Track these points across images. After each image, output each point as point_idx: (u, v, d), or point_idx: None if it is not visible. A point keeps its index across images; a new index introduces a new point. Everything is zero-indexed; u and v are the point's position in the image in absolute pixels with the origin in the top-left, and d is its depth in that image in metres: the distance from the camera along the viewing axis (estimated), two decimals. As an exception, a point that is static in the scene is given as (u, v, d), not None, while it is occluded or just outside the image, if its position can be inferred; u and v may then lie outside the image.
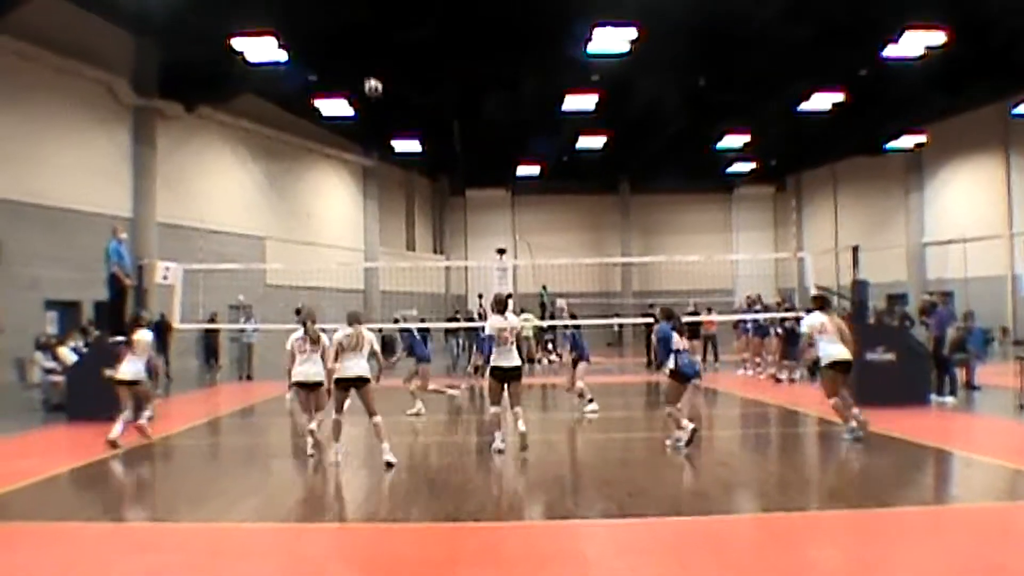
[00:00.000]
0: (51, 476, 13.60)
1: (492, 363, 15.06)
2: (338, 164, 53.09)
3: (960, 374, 23.32)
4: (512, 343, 15.03)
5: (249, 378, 33.41)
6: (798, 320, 27.17)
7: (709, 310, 34.71)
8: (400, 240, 60.34)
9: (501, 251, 34.89)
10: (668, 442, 15.48)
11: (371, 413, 14.56)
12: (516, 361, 15.02)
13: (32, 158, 31.11)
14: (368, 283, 52.80)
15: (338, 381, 14.57)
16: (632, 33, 30.05)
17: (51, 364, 23.74)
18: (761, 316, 29.94)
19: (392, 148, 50.46)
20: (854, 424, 16.04)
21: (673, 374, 15.40)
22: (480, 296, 37.84)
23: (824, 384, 16.96)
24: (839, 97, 39.60)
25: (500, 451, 14.87)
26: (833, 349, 16.29)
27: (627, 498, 11.55)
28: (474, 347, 35.33)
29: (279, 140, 46.35)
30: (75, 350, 23.53)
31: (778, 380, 28.24)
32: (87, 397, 19.94)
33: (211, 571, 8.85)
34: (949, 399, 20.96)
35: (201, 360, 35.81)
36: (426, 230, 64.30)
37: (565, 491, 12.39)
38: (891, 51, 32.56)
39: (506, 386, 15.24)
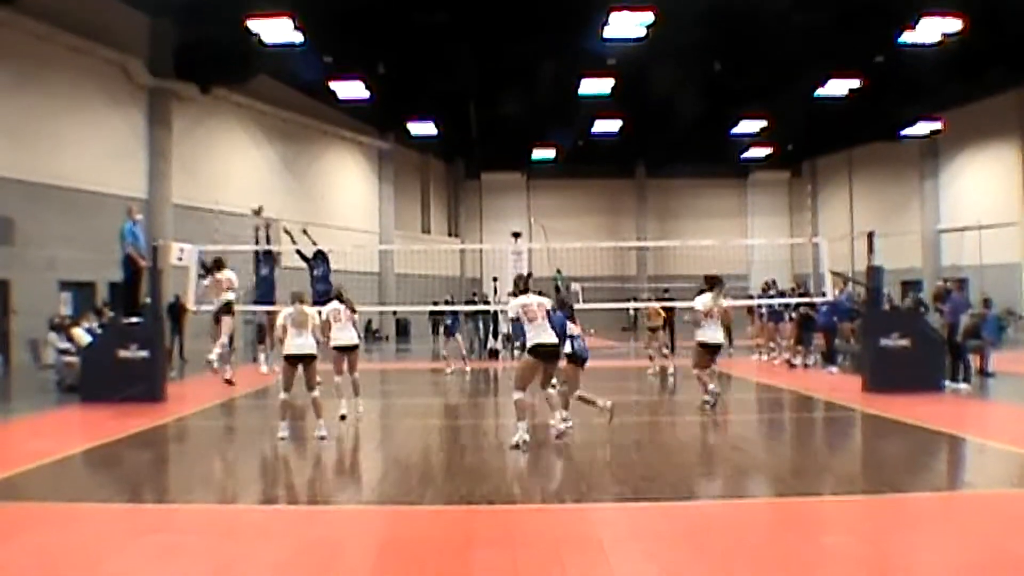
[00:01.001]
0: (65, 457, 13.60)
1: (530, 342, 14.29)
2: (353, 146, 53.15)
3: (974, 361, 23.28)
4: (544, 319, 14.52)
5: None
6: (812, 306, 27.26)
7: (724, 295, 34.66)
8: (415, 223, 60.40)
9: (516, 234, 34.82)
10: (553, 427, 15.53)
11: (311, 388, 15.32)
12: (555, 338, 14.49)
13: (47, 139, 31.18)
14: (383, 266, 52.86)
15: (288, 357, 15.18)
16: (648, 17, 30.01)
17: (65, 345, 23.74)
18: (776, 301, 29.88)
19: (408, 131, 50.51)
20: (708, 396, 18.41)
21: (570, 358, 15.59)
22: (495, 279, 37.81)
23: (694, 356, 18.93)
24: (855, 83, 39.55)
25: (517, 446, 13.90)
26: (710, 333, 18.57)
27: (641, 482, 11.53)
28: (491, 330, 35.42)
29: (294, 122, 46.39)
30: (89, 331, 23.54)
31: (792, 365, 28.22)
32: (101, 378, 19.93)
33: (225, 552, 8.85)
34: (963, 386, 20.89)
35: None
36: (441, 213, 64.36)
37: (579, 475, 12.36)
38: (908, 37, 32.51)
39: (543, 367, 14.67)
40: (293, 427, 15.91)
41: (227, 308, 21.64)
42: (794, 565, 8.19)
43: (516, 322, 14.70)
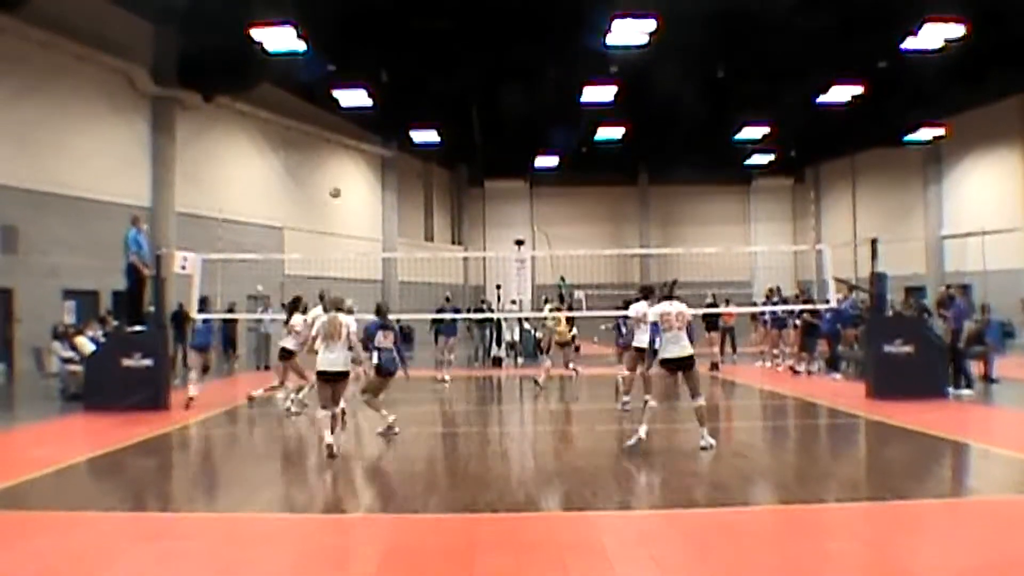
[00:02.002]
0: (68, 465, 13.63)
1: (662, 354, 14.43)
2: (356, 154, 53.17)
3: (977, 367, 23.29)
4: (681, 328, 14.55)
5: (267, 368, 33.44)
6: (816, 313, 27.29)
7: (727, 302, 34.72)
8: (419, 230, 60.45)
9: (519, 242, 34.94)
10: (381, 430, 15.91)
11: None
12: (689, 349, 14.49)
13: (52, 146, 31.22)
14: (386, 273, 52.94)
15: (319, 374, 14.62)
16: (651, 24, 30.00)
17: (69, 353, 23.79)
18: (779, 308, 29.91)
19: (411, 138, 50.44)
20: (627, 399, 19.40)
21: (376, 369, 16.26)
22: (499, 287, 37.86)
23: (627, 360, 19.88)
24: (858, 89, 39.52)
25: (633, 445, 14.48)
26: (643, 338, 17.20)
27: (645, 489, 11.55)
28: (495, 338, 35.44)
29: (298, 130, 46.42)
30: (93, 339, 23.58)
31: (796, 372, 28.27)
32: (104, 386, 19.99)
33: (228, 560, 8.87)
34: (965, 392, 20.89)
35: (219, 350, 35.89)
36: (444, 220, 64.41)
37: (583, 482, 12.36)
38: (910, 43, 32.47)
39: (680, 375, 14.87)
40: (295, 435, 15.92)
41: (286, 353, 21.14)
42: (798, 571, 8.22)
43: (653, 326, 14.50)
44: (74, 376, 22.72)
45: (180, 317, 27.82)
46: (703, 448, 14.30)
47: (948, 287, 28.35)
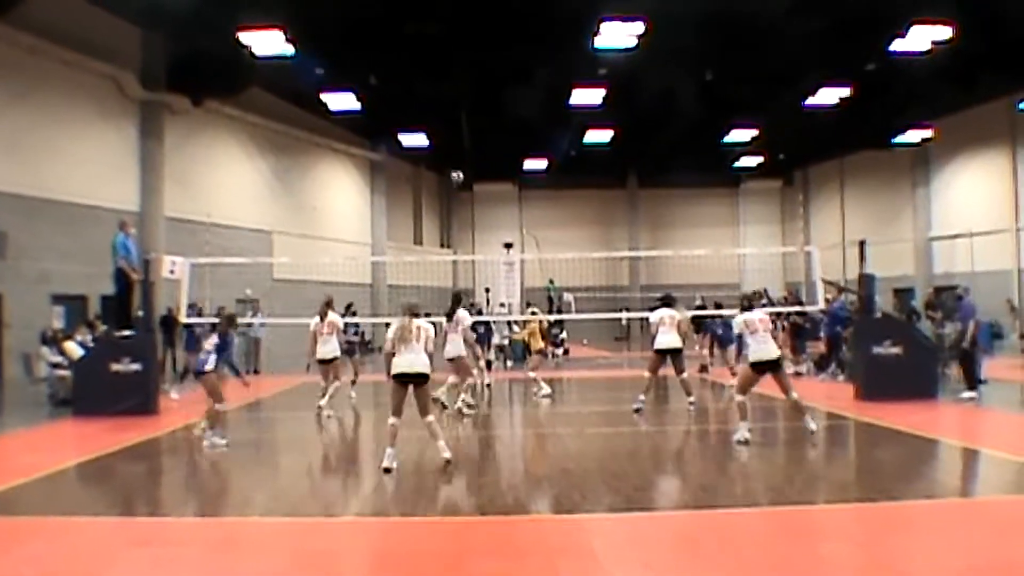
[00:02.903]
0: (57, 471, 13.60)
1: (752, 357, 15.02)
2: (345, 158, 53.17)
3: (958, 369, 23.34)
4: (767, 331, 15.11)
5: (256, 372, 33.45)
6: (805, 315, 27.35)
7: (717, 304, 34.75)
8: (407, 234, 60.43)
9: (508, 245, 34.90)
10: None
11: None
12: (776, 352, 15.13)
13: (40, 152, 31.15)
14: (375, 277, 52.92)
15: (395, 377, 13.66)
16: (639, 27, 30.06)
17: (57, 358, 23.75)
18: (768, 311, 29.92)
19: (399, 142, 50.52)
20: (643, 398, 19.85)
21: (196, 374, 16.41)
22: (487, 290, 37.86)
23: (650, 363, 20.67)
24: (846, 91, 39.62)
25: (743, 442, 14.91)
26: (664, 339, 20.04)
27: (634, 492, 11.55)
28: (485, 341, 35.42)
29: (286, 134, 46.39)
30: (81, 344, 23.53)
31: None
32: (93, 392, 19.96)
33: (219, 565, 8.86)
34: (969, 394, 20.79)
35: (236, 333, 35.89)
36: (433, 224, 64.43)
37: (572, 484, 12.36)
38: (898, 45, 32.57)
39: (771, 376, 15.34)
40: (285, 438, 15.90)
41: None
42: (789, 573, 8.21)
43: (740, 337, 14.78)
44: (63, 381, 22.67)
45: (169, 322, 27.80)
46: (811, 432, 14.98)
47: (936, 290, 28.38)
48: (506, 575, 8.18)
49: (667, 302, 20.74)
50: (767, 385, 20.82)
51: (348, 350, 24.68)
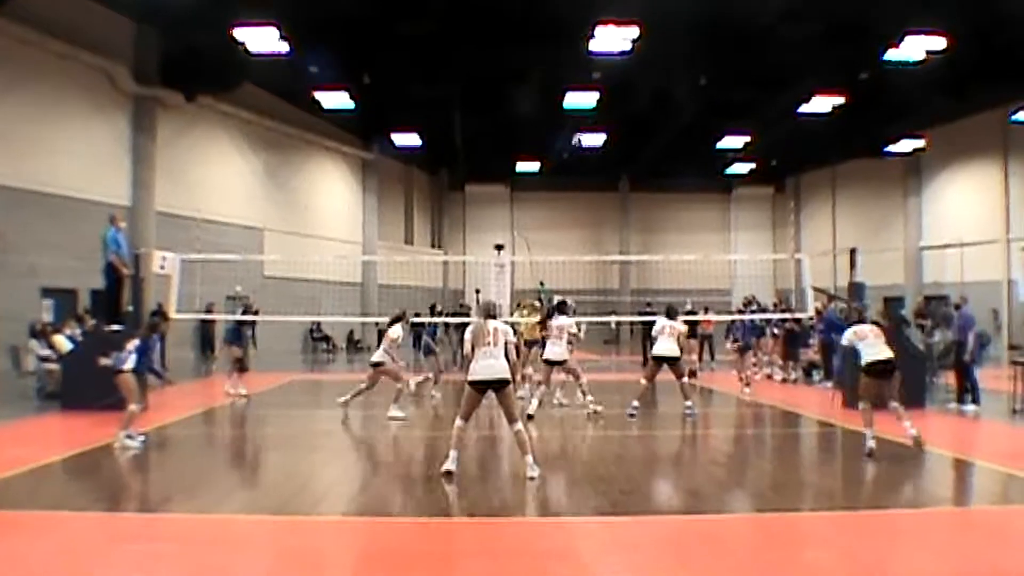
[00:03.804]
0: (45, 464, 13.60)
1: (866, 360, 14.49)
2: (337, 156, 53.09)
3: (947, 378, 23.33)
4: (878, 337, 14.76)
5: (245, 369, 33.42)
6: (797, 321, 27.39)
7: (706, 309, 34.79)
8: (398, 234, 60.32)
9: (499, 247, 34.79)
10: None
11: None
12: (889, 353, 14.65)
13: (31, 145, 31.07)
14: (366, 276, 52.85)
15: (471, 383, 13.04)
16: (634, 32, 30.01)
17: (46, 352, 23.74)
18: (756, 317, 29.99)
19: (392, 141, 50.38)
20: (636, 405, 20.11)
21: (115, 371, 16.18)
22: (478, 291, 37.78)
23: (647, 370, 21.25)
24: (840, 99, 39.58)
25: (870, 454, 14.37)
26: (663, 346, 20.49)
27: (621, 496, 11.56)
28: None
29: (279, 131, 46.31)
30: (70, 338, 23.51)
31: (771, 379, 28.38)
32: (82, 385, 19.88)
33: (205, 561, 8.85)
34: (971, 407, 20.65)
35: (197, 351, 35.80)
36: (424, 224, 64.29)
37: (559, 488, 12.39)
38: (892, 55, 32.56)
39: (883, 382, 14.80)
40: (271, 436, 15.89)
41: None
42: (775, 580, 8.24)
43: (850, 347, 14.55)
44: (51, 375, 22.66)
45: (158, 316, 27.77)
46: (916, 440, 14.50)
47: (927, 298, 28.39)
48: (492, 577, 8.20)
49: (670, 313, 21.25)
50: (753, 389, 20.88)
51: (427, 350, 25.20)
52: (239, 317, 25.58)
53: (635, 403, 19.94)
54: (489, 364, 12.78)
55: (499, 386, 12.86)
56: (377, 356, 20.66)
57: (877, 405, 14.70)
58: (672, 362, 20.32)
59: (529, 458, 12.71)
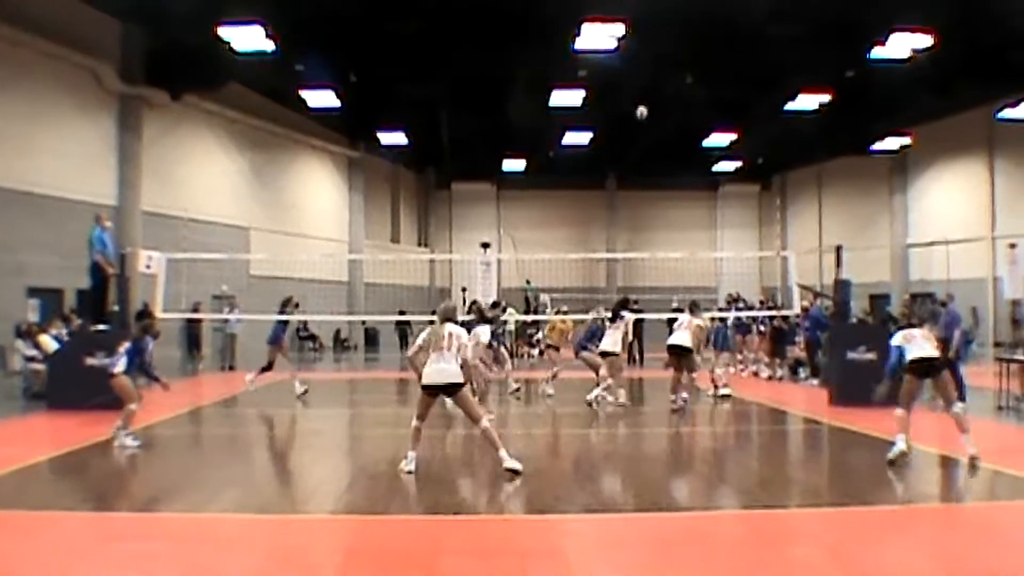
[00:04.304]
0: (31, 464, 13.56)
1: (909, 357, 13.87)
2: (324, 155, 53.04)
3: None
4: (925, 339, 14.16)
5: (232, 368, 33.42)
6: (784, 318, 27.42)
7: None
8: (385, 232, 60.26)
9: (485, 245, 34.83)
10: None
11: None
12: (934, 351, 14.13)
13: (17, 144, 30.96)
14: (352, 275, 52.78)
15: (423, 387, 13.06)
16: (620, 29, 30.01)
17: (32, 352, 23.68)
18: (743, 314, 30.03)
19: (378, 140, 50.29)
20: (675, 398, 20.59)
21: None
22: (464, 289, 37.83)
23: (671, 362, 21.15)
24: (826, 97, 39.63)
25: (893, 462, 13.65)
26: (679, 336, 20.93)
27: (608, 493, 11.59)
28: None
29: (265, 130, 46.24)
30: (56, 338, 23.45)
31: (757, 376, 28.44)
32: (68, 385, 19.88)
33: (192, 560, 8.84)
34: (957, 405, 20.64)
35: (183, 350, 35.77)
36: (411, 223, 64.22)
37: (546, 486, 12.39)
38: (878, 53, 32.63)
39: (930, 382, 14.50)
40: (256, 436, 15.89)
41: None
42: (761, 577, 8.25)
43: (897, 348, 14.29)
44: (37, 375, 22.62)
45: (144, 317, 27.76)
46: (973, 458, 13.38)
47: (913, 295, 28.41)
48: (477, 575, 8.19)
49: (693, 309, 21.68)
50: (739, 387, 20.92)
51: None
52: (277, 317, 25.35)
53: (672, 397, 20.51)
54: (441, 368, 12.81)
55: (451, 390, 12.90)
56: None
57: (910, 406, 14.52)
58: (684, 353, 20.57)
59: (503, 452, 12.67)
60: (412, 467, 12.80)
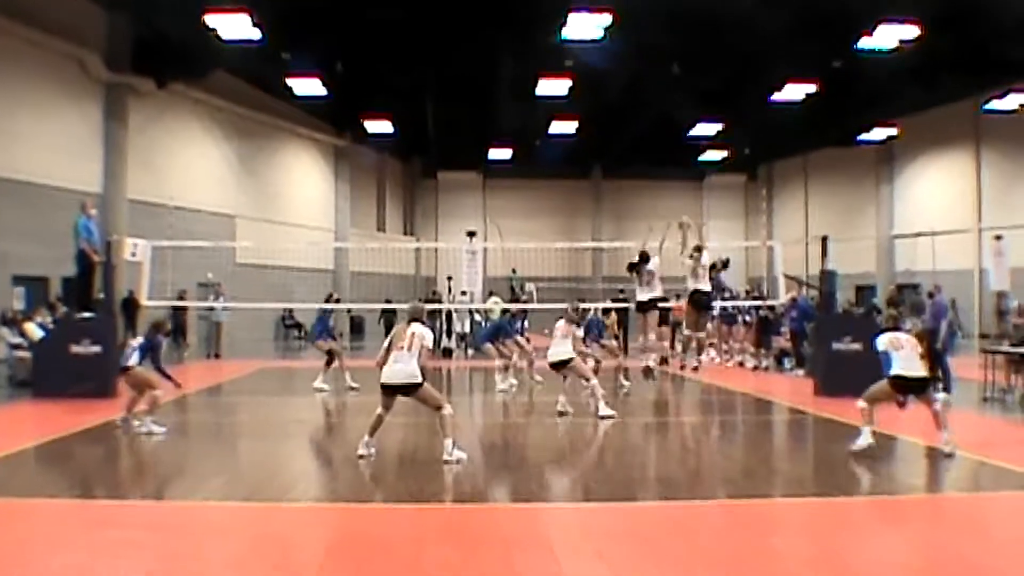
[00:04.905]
0: (15, 452, 13.54)
1: (894, 371, 13.71)
2: (310, 144, 53.00)
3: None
4: (912, 349, 13.92)
5: (217, 356, 33.41)
6: (771, 308, 27.46)
7: (678, 296, 34.83)
8: (371, 221, 60.22)
9: (471, 234, 34.82)
10: None
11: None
12: (918, 371, 13.92)
13: (1, 132, 30.90)
14: (338, 263, 52.74)
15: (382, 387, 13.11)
16: (607, 19, 29.97)
17: (17, 340, 23.66)
18: (729, 304, 30.05)
19: (365, 129, 50.20)
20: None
21: None
22: (450, 278, 37.79)
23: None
24: (812, 88, 39.60)
25: (861, 451, 13.77)
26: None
27: (592, 483, 11.60)
28: (444, 329, 35.51)
29: (251, 118, 46.20)
30: (42, 326, 23.41)
31: (743, 367, 28.49)
32: (53, 373, 19.87)
33: (175, 548, 8.84)
34: (941, 395, 20.74)
35: (169, 338, 35.74)
36: (397, 211, 64.18)
37: (530, 474, 12.42)
38: (865, 43, 32.61)
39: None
40: (242, 423, 15.86)
41: None
42: (743, 566, 8.26)
43: (884, 354, 14.18)
44: (22, 362, 22.59)
45: (130, 304, 27.72)
46: (948, 455, 13.44)
47: (899, 286, 28.47)
48: (460, 563, 8.19)
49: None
50: (724, 377, 20.96)
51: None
52: (324, 306, 25.12)
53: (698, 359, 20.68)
54: (399, 368, 12.86)
55: (407, 390, 12.94)
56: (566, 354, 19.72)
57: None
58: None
59: (448, 441, 12.72)
60: (365, 451, 13.01)
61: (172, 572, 8.16)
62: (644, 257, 22.04)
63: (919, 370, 13.92)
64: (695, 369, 20.37)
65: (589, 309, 23.91)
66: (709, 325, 27.50)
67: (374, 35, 34.66)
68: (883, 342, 14.10)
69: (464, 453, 12.72)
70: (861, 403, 13.98)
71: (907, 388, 14.02)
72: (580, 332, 19.49)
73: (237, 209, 44.89)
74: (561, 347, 17.97)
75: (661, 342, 29.40)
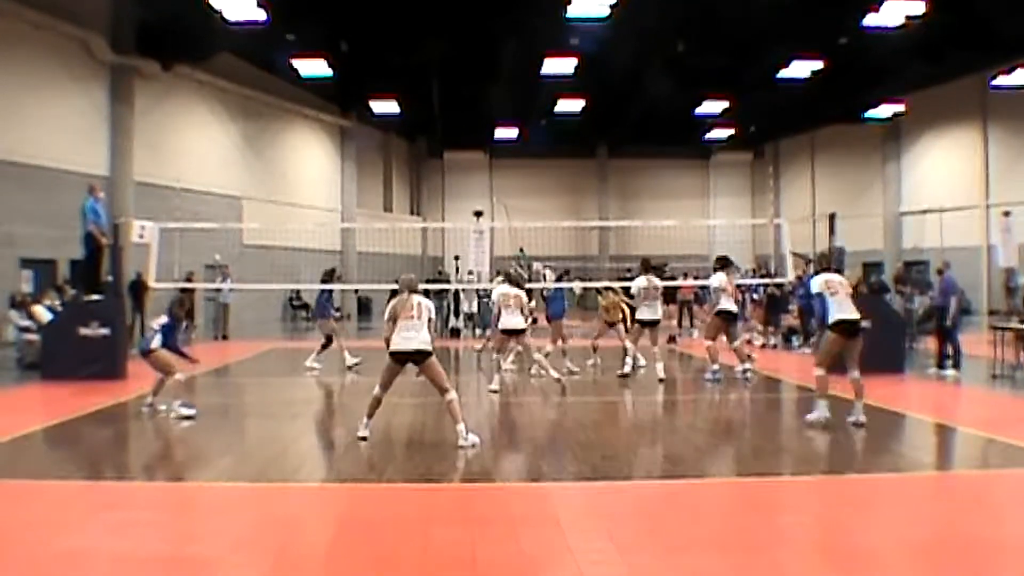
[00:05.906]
0: (24, 434, 13.57)
1: (833, 317, 14.00)
2: (316, 124, 52.89)
3: (928, 343, 23.39)
4: (846, 295, 14.30)
5: (225, 338, 33.48)
6: (779, 287, 27.43)
7: (685, 275, 34.87)
8: (377, 201, 60.17)
9: (478, 213, 34.74)
10: None
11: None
12: (856, 314, 14.24)
13: (8, 115, 30.90)
14: (345, 244, 52.64)
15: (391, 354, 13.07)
16: (613, -3, 29.97)
17: (26, 323, 23.68)
18: (740, 282, 30.04)
19: (370, 109, 50.16)
20: (716, 367, 19.99)
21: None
22: (457, 258, 37.76)
23: (709, 329, 21.02)
24: (818, 65, 39.55)
25: (815, 423, 14.19)
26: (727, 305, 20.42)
27: (600, 461, 11.58)
28: (452, 309, 35.50)
29: (257, 100, 46.13)
30: (50, 308, 23.45)
31: (751, 344, 28.49)
32: (61, 356, 19.92)
33: (184, 528, 8.90)
34: (951, 372, 20.75)
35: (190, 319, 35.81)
36: (403, 191, 64.12)
37: (538, 453, 12.42)
38: (871, 20, 32.54)
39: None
40: (249, 404, 15.88)
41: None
42: (751, 544, 8.26)
43: (819, 297, 14.17)
44: (31, 345, 22.61)
45: (138, 286, 27.73)
46: (856, 424, 13.84)
47: (907, 263, 28.42)
48: (468, 542, 8.19)
49: (724, 264, 21.46)
50: (731, 355, 20.94)
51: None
52: (321, 286, 24.93)
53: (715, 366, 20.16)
54: (410, 336, 12.82)
55: (419, 358, 12.86)
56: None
57: (835, 369, 14.59)
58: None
59: (461, 427, 12.66)
60: (365, 433, 13.05)
61: (180, 553, 8.17)
62: (726, 262, 21.71)
63: (855, 312, 14.15)
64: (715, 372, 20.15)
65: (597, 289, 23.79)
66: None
67: (379, 15, 34.59)
68: (818, 284, 14.18)
69: (477, 437, 12.68)
70: (819, 371, 14.13)
71: (853, 332, 14.15)
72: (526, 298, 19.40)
73: (243, 190, 44.86)
74: (515, 317, 18.49)
75: (670, 320, 29.45)
